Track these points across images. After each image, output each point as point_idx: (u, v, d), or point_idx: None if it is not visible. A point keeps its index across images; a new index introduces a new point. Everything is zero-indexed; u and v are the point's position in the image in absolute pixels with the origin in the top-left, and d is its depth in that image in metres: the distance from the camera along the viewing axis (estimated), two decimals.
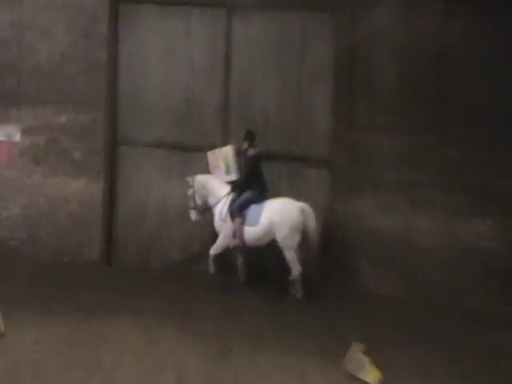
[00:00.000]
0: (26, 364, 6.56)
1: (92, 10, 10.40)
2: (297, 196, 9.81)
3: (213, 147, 10.30)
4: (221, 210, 9.92)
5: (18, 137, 10.66)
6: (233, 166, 10.18)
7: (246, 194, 9.82)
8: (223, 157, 10.23)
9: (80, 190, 10.43)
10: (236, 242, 9.77)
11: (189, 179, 10.10)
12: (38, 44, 10.48)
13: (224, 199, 9.95)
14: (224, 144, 10.38)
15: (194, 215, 10.14)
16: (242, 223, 9.74)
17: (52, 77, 10.48)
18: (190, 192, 10.10)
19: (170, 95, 10.71)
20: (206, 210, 10.11)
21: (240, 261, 10.12)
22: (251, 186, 9.86)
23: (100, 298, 8.76)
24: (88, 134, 10.43)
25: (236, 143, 10.22)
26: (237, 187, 9.94)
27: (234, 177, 10.15)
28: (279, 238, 9.57)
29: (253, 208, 9.72)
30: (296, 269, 9.49)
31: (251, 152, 9.96)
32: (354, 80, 10.12)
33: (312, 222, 9.64)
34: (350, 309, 8.99)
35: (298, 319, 8.42)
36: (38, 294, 8.71)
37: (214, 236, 9.99)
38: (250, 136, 9.99)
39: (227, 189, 10.04)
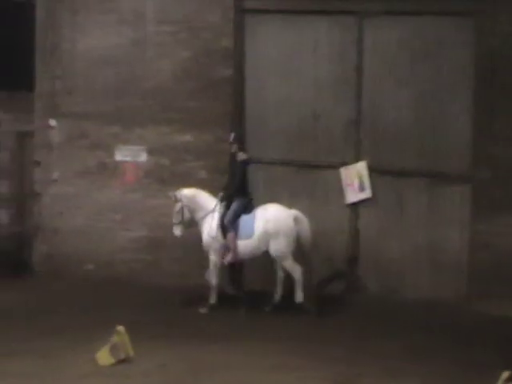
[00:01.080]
0: None
1: (215, 24, 10.80)
2: (437, 215, 9.91)
3: (344, 164, 10.39)
4: (209, 225, 9.96)
5: (143, 157, 11.32)
6: (367, 183, 10.20)
7: (236, 205, 9.87)
8: (356, 173, 10.29)
9: None
10: (230, 258, 9.87)
11: (175, 193, 10.08)
12: (160, 61, 11.06)
13: (211, 213, 9.97)
14: (356, 160, 10.40)
15: (178, 231, 10.08)
16: (235, 237, 9.83)
17: (173, 95, 11.03)
18: (177, 207, 10.02)
19: (297, 110, 10.91)
20: (192, 226, 10.15)
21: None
22: (239, 195, 9.97)
23: (221, 321, 9.32)
24: (213, 153, 10.82)
25: (368, 159, 10.24)
26: (227, 196, 9.96)
27: (368, 194, 10.18)
28: (274, 247, 9.74)
29: (244, 219, 9.86)
30: (297, 271, 9.69)
31: (241, 156, 10.06)
32: (497, 88, 9.81)
33: (306, 230, 9.83)
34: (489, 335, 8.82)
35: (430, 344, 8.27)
36: (160, 317, 9.31)
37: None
38: (238, 139, 10.10)
39: (213, 201, 10.09)
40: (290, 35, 10.91)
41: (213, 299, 9.99)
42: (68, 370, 7.68)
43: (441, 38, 10.29)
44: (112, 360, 7.84)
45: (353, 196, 10.35)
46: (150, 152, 11.23)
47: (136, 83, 11.29)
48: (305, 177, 10.94)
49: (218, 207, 10.04)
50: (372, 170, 10.32)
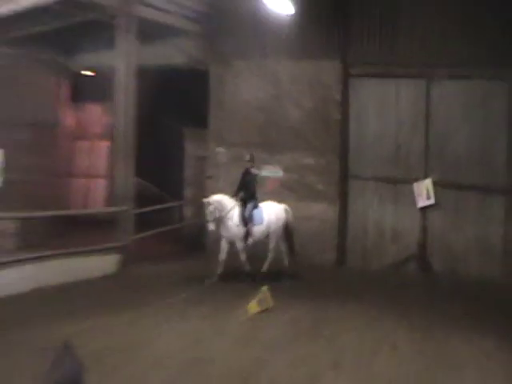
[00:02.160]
0: (265, 335, 8.68)
1: (329, 83, 14.14)
2: (482, 217, 13.13)
3: (417, 180, 13.54)
4: (232, 219, 12.18)
5: (280, 173, 14.51)
6: (431, 193, 13.28)
7: (251, 204, 12.34)
8: (425, 187, 13.37)
9: (321, 211, 14.21)
10: (250, 240, 12.29)
11: (208, 199, 12.15)
12: (291, 109, 14.45)
13: (232, 211, 12.19)
14: (425, 177, 13.56)
15: (212, 226, 12.09)
16: (253, 226, 12.29)
17: (301, 131, 14.32)
18: (211, 208, 12.00)
19: (385, 141, 13.96)
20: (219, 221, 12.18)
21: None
22: (252, 198, 12.41)
23: (334, 288, 11.69)
24: (326, 172, 14.13)
25: (434, 176, 13.40)
26: (246, 199, 12.33)
27: (432, 201, 13.24)
28: (272, 230, 12.40)
29: (255, 212, 12.34)
30: (272, 244, 12.45)
31: (255, 171, 12.66)
32: None
33: (291, 218, 12.65)
34: None
35: None
36: (291, 287, 11.51)
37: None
38: (252, 159, 12.60)
39: (232, 202, 12.31)
40: (381, 91, 13.99)
41: (220, 270, 12.22)
42: (230, 315, 9.61)
43: (486, 93, 13.26)
44: (258, 309, 9.67)
45: (422, 202, 13.38)
46: (285, 170, 14.37)
47: (276, 124, 14.38)
48: (390, 189, 13.84)
49: (237, 207, 12.25)
50: (436, 184, 13.31)
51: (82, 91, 17.84)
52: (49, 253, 11.87)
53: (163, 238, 14.93)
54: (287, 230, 12.83)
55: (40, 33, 14.38)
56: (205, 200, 12.21)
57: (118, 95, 13.18)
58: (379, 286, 12.05)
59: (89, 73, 17.95)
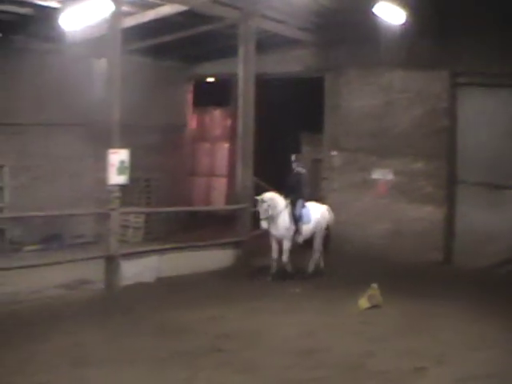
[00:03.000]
0: (373, 329, 9.16)
1: (437, 92, 14.51)
2: None
3: None
4: (283, 219, 12.42)
5: (390, 176, 14.97)
6: None
7: (300, 203, 12.57)
8: None
9: (429, 213, 14.59)
10: (301, 239, 12.63)
11: (262, 198, 12.33)
12: (401, 115, 14.91)
13: (283, 210, 12.41)
14: None
15: (266, 224, 12.28)
16: (302, 224, 12.55)
17: (410, 137, 14.72)
18: (264, 206, 12.22)
19: (490, 149, 14.04)
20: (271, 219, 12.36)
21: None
22: (301, 197, 12.63)
23: (441, 285, 11.77)
24: (435, 176, 14.48)
25: None
26: (295, 198, 12.55)
27: None
28: (318, 229, 12.76)
29: (304, 211, 12.61)
30: (318, 247, 12.77)
31: (303, 170, 12.94)
32: None
33: (332, 219, 13.07)
34: None
35: None
36: (400, 280, 12.01)
37: None
38: (299, 160, 12.91)
39: (284, 202, 12.53)
40: (488, 100, 14.11)
41: (289, 268, 12.60)
42: (341, 309, 10.18)
43: None
44: (368, 305, 10.07)
45: None
46: (395, 173, 14.85)
47: (387, 130, 14.86)
48: (494, 194, 13.99)
49: (288, 206, 12.49)
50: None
51: (205, 96, 18.98)
52: (172, 246, 12.98)
53: None
54: (327, 231, 13.32)
55: (166, 42, 15.59)
56: (259, 198, 12.42)
57: (239, 100, 14.17)
58: (485, 285, 12.16)
59: (210, 79, 19.20)
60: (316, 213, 12.95)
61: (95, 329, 8.84)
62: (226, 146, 19.10)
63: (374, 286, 10.23)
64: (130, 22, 13.15)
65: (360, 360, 7.89)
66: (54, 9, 12.37)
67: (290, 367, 7.61)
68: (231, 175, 16.81)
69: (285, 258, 12.61)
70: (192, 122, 19.73)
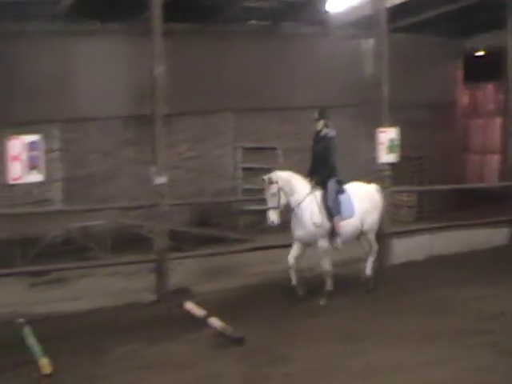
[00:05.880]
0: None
1: None
2: None
3: None
4: (310, 211, 8.79)
5: None
6: None
7: (331, 186, 8.85)
8: None
9: None
10: (339, 240, 8.99)
11: (270, 175, 8.80)
12: None
13: (308, 198, 8.81)
14: None
15: (275, 217, 8.68)
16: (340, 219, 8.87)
17: None
18: (273, 189, 8.66)
19: None
20: (288, 211, 8.92)
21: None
22: (332, 175, 8.93)
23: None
24: None
25: None
26: (323, 178, 8.89)
27: None
28: (369, 223, 9.36)
29: (342, 199, 8.96)
30: (375, 247, 9.70)
31: (330, 133, 9.05)
32: None
33: (382, 203, 9.72)
34: None
35: None
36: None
37: None
38: (324, 114, 9.07)
39: (307, 186, 8.91)
40: None
41: (329, 286, 9.19)
42: None
43: None
44: None
45: None
46: None
47: None
48: None
49: (315, 191, 8.91)
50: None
51: (475, 71, 18.52)
52: (443, 224, 12.98)
53: None
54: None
55: (431, 18, 15.48)
56: (265, 177, 8.85)
57: (508, 74, 13.60)
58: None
59: (480, 53, 18.73)
60: (362, 199, 9.35)
61: (366, 305, 9.11)
62: (499, 121, 18.39)
63: None
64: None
65: None
66: None
67: None
68: (504, 151, 16.20)
69: (325, 265, 9.15)
70: (463, 98, 19.56)
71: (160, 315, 8.98)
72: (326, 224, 8.79)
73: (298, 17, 15.10)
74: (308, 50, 15.62)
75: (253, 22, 15.56)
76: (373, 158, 11.43)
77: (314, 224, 8.75)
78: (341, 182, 9.09)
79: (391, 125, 11.28)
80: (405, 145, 11.59)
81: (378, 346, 7.37)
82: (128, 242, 12.25)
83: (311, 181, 8.98)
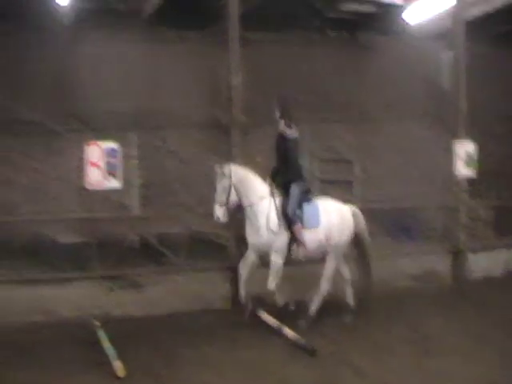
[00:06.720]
0: None
1: None
2: None
3: None
4: (267, 216, 7.96)
5: None
6: None
7: (295, 191, 8.06)
8: None
9: None
10: (304, 250, 8.10)
11: (224, 166, 8.07)
12: None
13: (265, 201, 8.03)
14: None
15: (222, 213, 7.93)
16: (301, 229, 8.02)
17: None
18: (224, 183, 7.93)
19: None
20: (237, 211, 8.23)
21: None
22: (296, 179, 8.15)
23: None
24: None
25: None
26: (284, 181, 8.18)
27: None
28: (334, 241, 8.27)
29: (306, 207, 8.14)
30: (330, 266, 8.32)
31: (293, 133, 8.26)
32: None
33: (363, 225, 8.56)
34: None
35: None
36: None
37: None
38: (285, 113, 8.27)
39: (266, 189, 8.13)
40: None
41: (245, 302, 8.55)
42: None
43: None
44: None
45: None
46: None
47: None
48: None
49: (274, 195, 8.16)
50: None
51: None
52: None
53: None
54: (359, 245, 8.82)
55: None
56: (217, 165, 8.18)
57: None
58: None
59: None
60: (330, 213, 8.38)
61: (440, 320, 8.95)
62: None
63: None
64: (474, 11, 12.91)
65: None
66: (397, 6, 12.98)
67: None
68: None
69: (271, 283, 8.19)
70: None
71: (233, 322, 9.03)
72: (284, 233, 8.02)
73: (376, 27, 15.06)
74: (384, 61, 15.50)
75: (331, 31, 15.57)
76: (451, 172, 11.36)
77: (270, 231, 7.99)
78: (309, 191, 8.45)
79: (471, 137, 11.10)
80: (485, 158, 11.33)
81: (448, 361, 7.27)
82: (204, 249, 12.35)
83: (272, 184, 8.32)
